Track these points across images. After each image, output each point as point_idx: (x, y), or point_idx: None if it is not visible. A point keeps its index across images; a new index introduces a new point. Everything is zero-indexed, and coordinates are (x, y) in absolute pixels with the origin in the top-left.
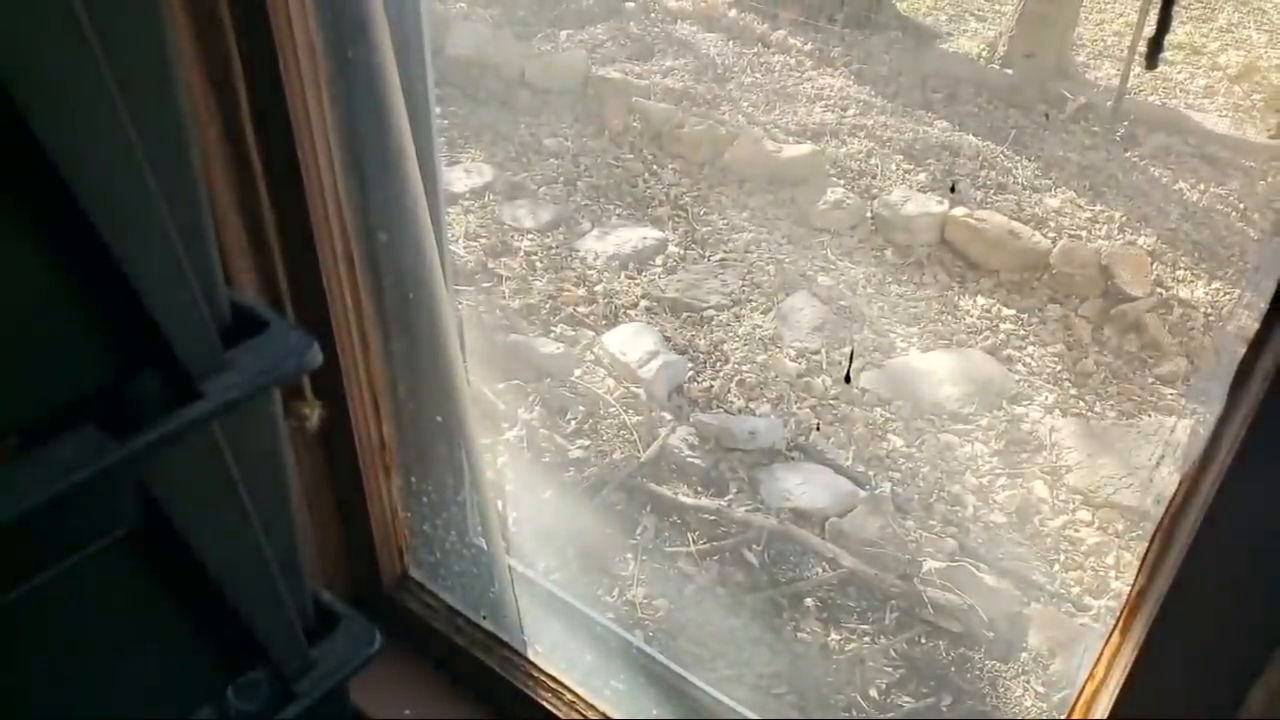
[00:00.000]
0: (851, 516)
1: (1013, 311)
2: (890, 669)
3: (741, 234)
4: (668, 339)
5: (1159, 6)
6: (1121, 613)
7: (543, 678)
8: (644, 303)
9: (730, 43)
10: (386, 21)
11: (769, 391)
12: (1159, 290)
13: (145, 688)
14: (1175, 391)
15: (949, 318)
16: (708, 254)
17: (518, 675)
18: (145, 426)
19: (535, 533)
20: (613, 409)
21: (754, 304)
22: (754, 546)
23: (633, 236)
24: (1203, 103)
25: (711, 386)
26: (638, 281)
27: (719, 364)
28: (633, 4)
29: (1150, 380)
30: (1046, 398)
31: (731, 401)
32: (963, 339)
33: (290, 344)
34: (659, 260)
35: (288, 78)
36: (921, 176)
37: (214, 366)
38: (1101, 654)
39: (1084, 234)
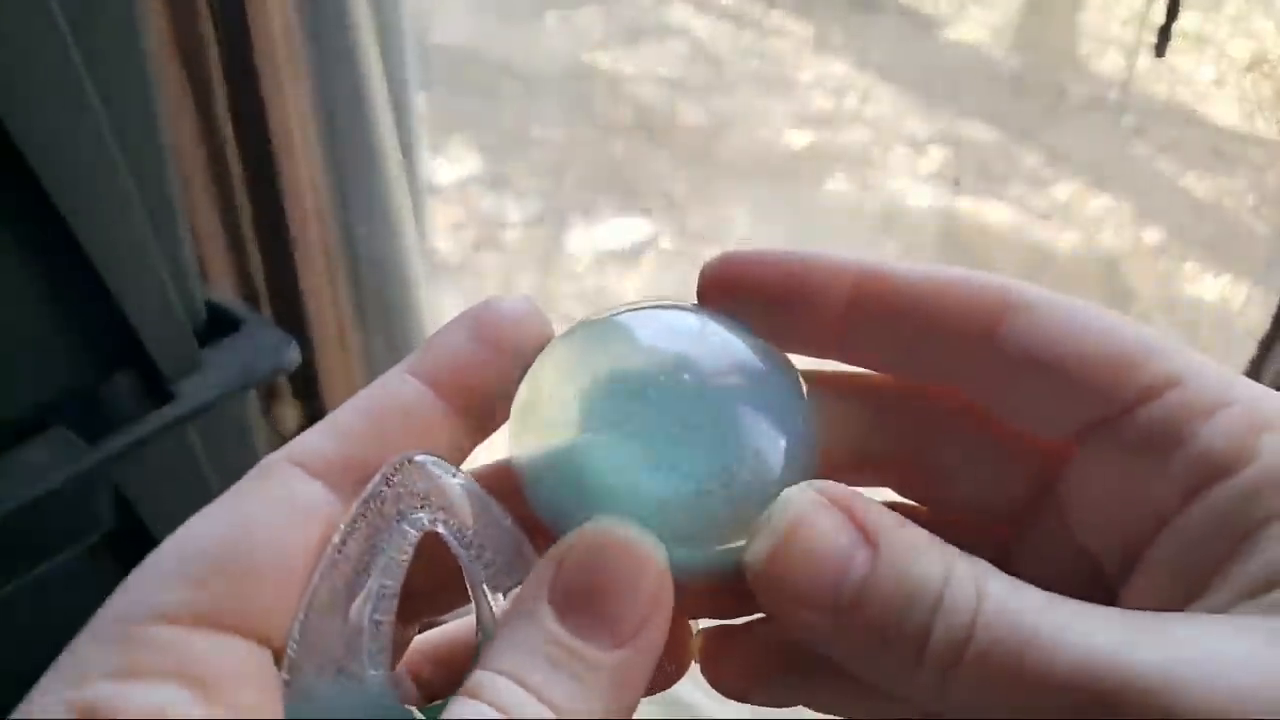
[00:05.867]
0: None
1: None
2: None
3: (737, 226)
4: None
5: None
6: None
7: None
8: (634, 298)
9: (726, 27)
10: (368, 8)
11: None
12: (1166, 285)
13: None
14: None
15: None
16: (701, 248)
17: None
18: (118, 429)
19: None
20: None
21: None
22: None
23: (623, 229)
24: (1211, 93)
25: None
26: (628, 276)
27: None
28: None
29: None
30: None
31: None
32: None
33: (267, 343)
34: (650, 254)
35: (264, 68)
36: (923, 167)
37: (189, 367)
38: None
39: (1090, 227)
